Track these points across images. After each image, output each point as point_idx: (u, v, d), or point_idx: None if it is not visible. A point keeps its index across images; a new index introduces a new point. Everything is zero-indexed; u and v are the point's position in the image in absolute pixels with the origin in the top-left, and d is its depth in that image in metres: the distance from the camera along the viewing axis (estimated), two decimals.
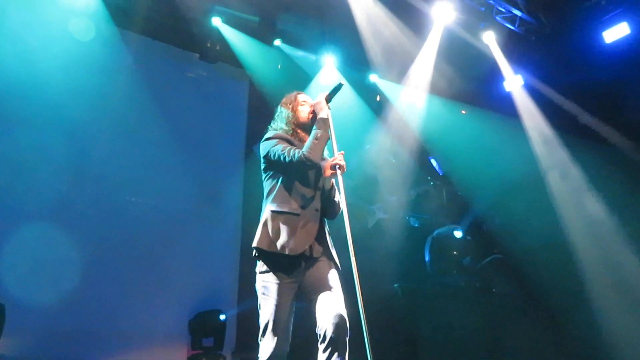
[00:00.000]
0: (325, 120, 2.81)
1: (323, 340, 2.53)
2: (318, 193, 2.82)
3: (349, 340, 2.59)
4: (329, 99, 2.93)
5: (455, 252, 7.35)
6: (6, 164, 5.39)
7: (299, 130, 2.95)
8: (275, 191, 2.79)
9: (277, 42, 6.87)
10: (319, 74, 7.20)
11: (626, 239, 6.10)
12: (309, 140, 2.75)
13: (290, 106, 3.00)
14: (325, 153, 2.95)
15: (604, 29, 6.41)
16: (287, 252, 2.63)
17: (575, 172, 6.63)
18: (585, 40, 6.62)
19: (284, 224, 2.70)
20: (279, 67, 7.12)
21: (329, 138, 2.79)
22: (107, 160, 6.01)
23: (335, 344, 2.51)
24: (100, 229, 5.82)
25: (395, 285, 7.12)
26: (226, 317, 6.19)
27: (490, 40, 6.91)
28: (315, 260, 2.74)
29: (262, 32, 6.68)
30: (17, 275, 4.98)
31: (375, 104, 7.94)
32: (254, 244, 2.72)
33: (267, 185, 2.86)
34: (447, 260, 7.32)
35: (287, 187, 2.77)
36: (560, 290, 6.16)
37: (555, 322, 6.20)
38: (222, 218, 6.82)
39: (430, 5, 6.36)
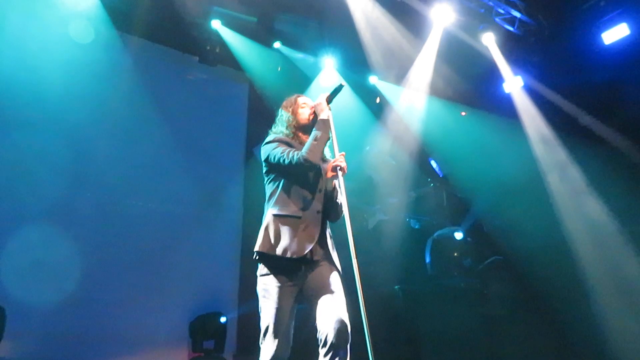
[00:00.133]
0: (325, 122, 2.81)
1: (324, 345, 2.52)
2: (319, 195, 2.81)
3: (351, 343, 2.58)
4: (329, 100, 2.93)
5: (455, 254, 7.34)
6: (7, 167, 5.40)
7: (299, 133, 2.95)
8: (276, 194, 2.79)
9: (277, 44, 6.89)
10: (319, 76, 7.21)
11: (626, 239, 6.09)
12: (308, 142, 2.75)
13: (291, 109, 3.00)
14: (327, 154, 2.96)
15: (603, 30, 6.41)
16: (288, 256, 2.63)
17: (575, 173, 6.63)
18: (584, 41, 6.63)
19: (285, 227, 2.70)
20: (279, 69, 7.13)
21: (328, 139, 2.79)
22: (107, 163, 6.01)
23: (336, 350, 2.50)
24: (100, 232, 5.82)
25: (396, 286, 7.12)
26: (227, 320, 6.19)
27: (489, 41, 6.91)
28: (317, 263, 2.73)
29: (261, 35, 6.70)
30: (17, 278, 4.99)
31: (375, 106, 7.95)
32: (256, 248, 2.72)
33: (268, 188, 2.86)
34: (448, 261, 7.32)
35: (288, 190, 2.77)
36: (561, 292, 6.15)
37: (555, 324, 6.19)
38: (222, 220, 6.82)
39: (430, 7, 6.37)
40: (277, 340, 2.58)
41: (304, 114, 2.98)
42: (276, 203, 2.77)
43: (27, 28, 5.73)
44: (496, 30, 6.82)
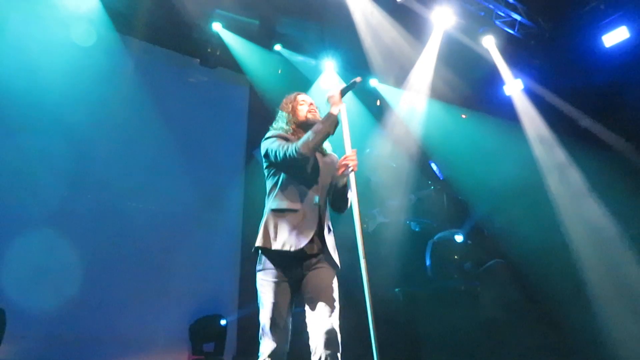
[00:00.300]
0: (331, 116, 2.76)
1: (314, 354, 2.55)
2: (317, 187, 2.81)
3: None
4: (343, 94, 2.87)
5: (456, 257, 7.32)
6: (8, 170, 5.41)
7: (298, 130, 2.96)
8: (275, 190, 2.81)
9: (278, 46, 6.90)
10: (319, 79, 7.22)
11: (627, 242, 6.08)
12: (306, 134, 2.75)
13: (290, 106, 3.02)
14: (329, 148, 2.97)
15: (603, 33, 6.42)
16: (287, 249, 2.64)
17: (575, 176, 6.63)
18: (584, 44, 6.63)
19: (283, 220, 2.71)
20: (279, 72, 7.14)
21: (329, 133, 2.75)
22: (108, 165, 6.02)
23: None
24: (100, 234, 5.82)
25: (396, 289, 7.10)
26: (227, 322, 6.18)
27: (490, 44, 6.92)
28: (316, 262, 2.73)
29: (262, 37, 6.71)
30: (17, 280, 4.99)
31: (376, 109, 7.96)
32: (257, 244, 2.72)
33: (268, 184, 2.88)
34: (448, 264, 7.30)
35: (287, 184, 2.79)
36: (562, 295, 6.13)
37: (557, 326, 6.17)
38: (222, 223, 6.82)
39: (430, 10, 6.38)
40: (275, 336, 2.59)
41: (303, 111, 2.99)
42: (275, 198, 2.79)
43: (28, 30, 5.75)
44: (496, 33, 6.83)
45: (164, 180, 6.41)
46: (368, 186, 7.65)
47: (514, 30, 6.83)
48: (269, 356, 2.57)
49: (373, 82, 7.70)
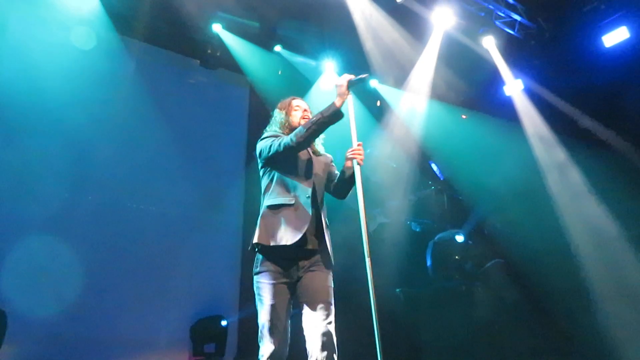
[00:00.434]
0: (332, 106, 2.70)
1: (311, 358, 2.57)
2: (310, 182, 2.83)
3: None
4: (350, 85, 2.79)
5: (457, 257, 7.32)
6: (8, 172, 5.40)
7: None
8: (270, 187, 2.85)
9: (278, 48, 6.90)
10: (320, 80, 7.22)
11: (628, 242, 6.08)
12: (303, 124, 2.76)
13: (284, 111, 3.05)
14: (320, 147, 2.99)
15: (603, 33, 6.43)
16: (283, 243, 2.65)
17: (576, 176, 6.63)
18: (584, 44, 6.64)
19: (278, 215, 2.73)
20: (280, 72, 7.14)
21: (327, 124, 2.70)
22: (108, 166, 6.02)
23: None
24: (101, 236, 5.82)
25: (397, 290, 7.11)
26: (227, 323, 6.18)
27: (490, 45, 6.92)
28: (311, 262, 2.74)
29: (262, 38, 6.72)
30: (18, 282, 4.98)
31: (376, 109, 7.96)
32: (254, 241, 2.74)
33: (263, 183, 2.91)
34: (449, 264, 7.30)
35: (281, 180, 2.82)
36: (563, 295, 6.13)
37: (558, 327, 6.17)
38: (223, 224, 6.82)
39: (430, 11, 6.38)
40: (274, 338, 2.60)
41: (297, 117, 3.02)
42: (270, 194, 2.82)
43: (29, 33, 5.75)
44: (496, 34, 6.83)
45: (164, 182, 6.42)
46: (368, 187, 7.66)
47: (514, 30, 6.83)
48: (269, 358, 2.58)
49: (373, 83, 7.70)
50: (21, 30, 5.74)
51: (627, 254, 6.04)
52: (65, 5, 5.68)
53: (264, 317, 2.64)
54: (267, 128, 3.06)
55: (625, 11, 6.27)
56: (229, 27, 6.49)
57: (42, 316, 5.11)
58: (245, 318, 6.29)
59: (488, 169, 6.94)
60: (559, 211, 6.61)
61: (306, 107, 3.08)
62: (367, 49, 6.68)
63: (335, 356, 2.58)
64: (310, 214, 2.73)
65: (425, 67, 7.06)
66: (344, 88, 2.77)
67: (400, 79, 7.44)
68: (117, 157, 6.11)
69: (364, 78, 2.81)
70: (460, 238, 7.44)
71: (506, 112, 7.23)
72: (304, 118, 2.99)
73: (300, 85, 7.14)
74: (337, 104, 2.71)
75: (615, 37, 6.32)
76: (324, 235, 2.78)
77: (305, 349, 2.61)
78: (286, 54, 6.96)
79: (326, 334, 2.58)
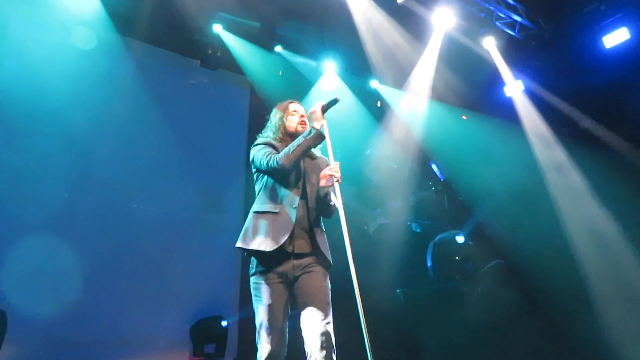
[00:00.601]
0: (312, 130, 2.81)
1: (310, 358, 2.57)
2: (299, 191, 2.84)
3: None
4: (324, 110, 2.91)
5: (457, 258, 7.33)
6: (9, 173, 5.41)
7: (287, 139, 2.98)
8: (260, 193, 2.89)
9: (278, 48, 6.91)
10: (320, 80, 7.23)
11: (628, 243, 6.08)
12: (288, 146, 2.79)
13: (280, 115, 3.05)
14: (317, 153, 2.99)
15: (603, 34, 6.43)
16: (262, 249, 2.68)
17: (576, 177, 6.63)
18: (585, 45, 6.64)
19: (262, 221, 2.77)
20: (280, 73, 7.15)
21: (311, 147, 2.79)
22: (109, 167, 6.02)
23: None
24: (101, 236, 5.82)
25: (398, 290, 7.11)
26: (228, 324, 6.18)
27: (490, 45, 6.93)
28: (307, 263, 2.74)
29: (262, 39, 6.72)
30: (18, 282, 4.98)
31: (376, 110, 7.96)
32: (236, 244, 2.80)
33: (256, 187, 2.95)
34: (449, 265, 7.30)
35: (270, 188, 2.85)
36: (563, 295, 6.13)
37: (558, 328, 6.17)
38: (223, 224, 6.82)
39: (431, 11, 6.38)
40: (271, 338, 2.61)
41: (293, 122, 3.02)
42: (258, 200, 2.87)
43: (29, 34, 5.75)
44: (497, 35, 6.84)
45: (165, 182, 6.42)
46: (369, 187, 7.66)
47: (514, 31, 6.83)
48: (266, 359, 2.58)
49: (374, 84, 7.70)
50: (22, 31, 5.75)
51: (626, 255, 6.04)
52: (66, 5, 5.68)
53: (260, 318, 2.65)
54: (262, 132, 3.07)
55: (625, 12, 6.28)
56: (229, 28, 6.49)
57: (42, 316, 5.11)
58: (245, 318, 6.29)
59: (488, 170, 6.95)
60: (559, 211, 6.62)
61: (303, 112, 3.06)
62: (368, 49, 6.69)
63: (334, 356, 2.58)
64: (294, 222, 2.74)
65: (426, 68, 7.07)
66: (318, 113, 2.87)
67: (400, 80, 7.45)
68: (117, 157, 6.11)
69: (334, 100, 2.92)
70: (460, 239, 7.44)
71: (506, 112, 7.23)
72: (300, 124, 3.00)
73: (301, 85, 7.15)
74: (317, 127, 2.82)
75: (615, 38, 6.32)
76: (315, 240, 2.78)
77: (304, 349, 2.61)
78: (287, 54, 6.97)
79: (325, 334, 2.58)
